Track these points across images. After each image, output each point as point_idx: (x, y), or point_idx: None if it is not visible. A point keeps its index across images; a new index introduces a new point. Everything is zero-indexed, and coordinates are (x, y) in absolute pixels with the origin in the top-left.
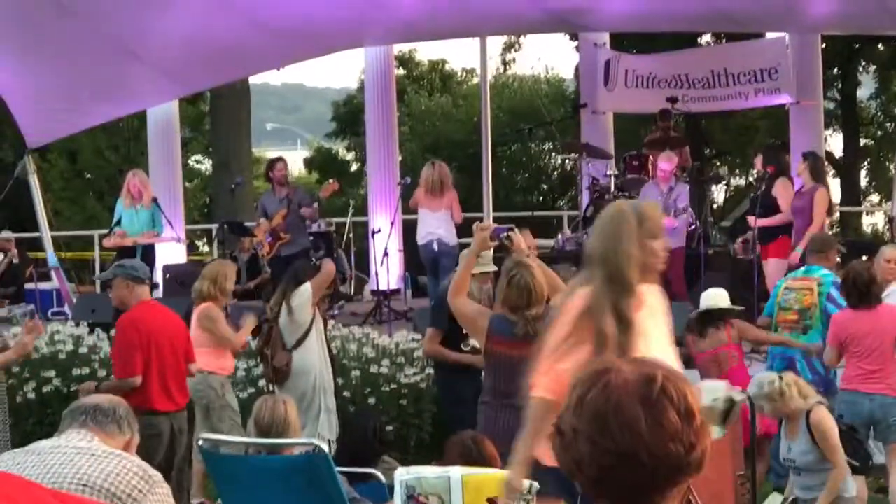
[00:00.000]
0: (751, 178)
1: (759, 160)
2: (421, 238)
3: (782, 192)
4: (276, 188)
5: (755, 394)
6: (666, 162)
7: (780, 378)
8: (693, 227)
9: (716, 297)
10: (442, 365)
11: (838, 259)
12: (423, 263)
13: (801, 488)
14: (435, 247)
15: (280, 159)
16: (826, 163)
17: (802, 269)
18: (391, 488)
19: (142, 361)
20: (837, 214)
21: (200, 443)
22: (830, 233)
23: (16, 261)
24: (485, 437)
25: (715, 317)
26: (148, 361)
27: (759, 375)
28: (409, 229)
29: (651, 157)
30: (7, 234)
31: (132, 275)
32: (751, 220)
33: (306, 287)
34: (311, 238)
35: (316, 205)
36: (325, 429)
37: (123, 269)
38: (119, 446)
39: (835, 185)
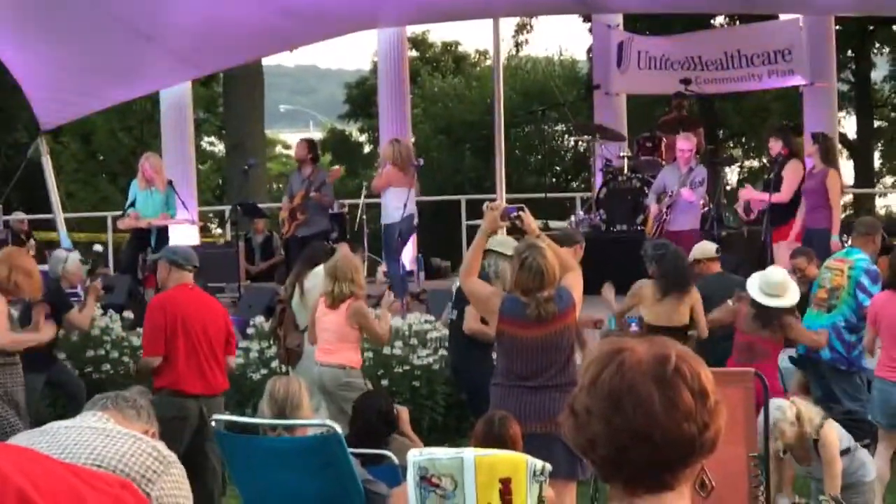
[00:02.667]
0: (764, 160)
1: (773, 142)
2: (404, 213)
3: (790, 174)
4: (302, 168)
5: (774, 419)
6: (684, 142)
7: (793, 403)
8: (706, 208)
9: (780, 289)
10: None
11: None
12: (388, 242)
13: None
14: (415, 222)
15: (302, 140)
16: (839, 145)
17: (844, 250)
18: (404, 469)
19: (165, 342)
20: (850, 196)
21: (213, 423)
22: (843, 215)
23: (32, 252)
24: (511, 417)
25: (772, 312)
26: (175, 342)
27: (773, 402)
28: (422, 211)
29: (664, 139)
30: (20, 215)
31: (171, 258)
32: (743, 192)
33: (319, 269)
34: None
35: (326, 192)
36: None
37: (166, 253)
38: (137, 431)
39: (848, 167)
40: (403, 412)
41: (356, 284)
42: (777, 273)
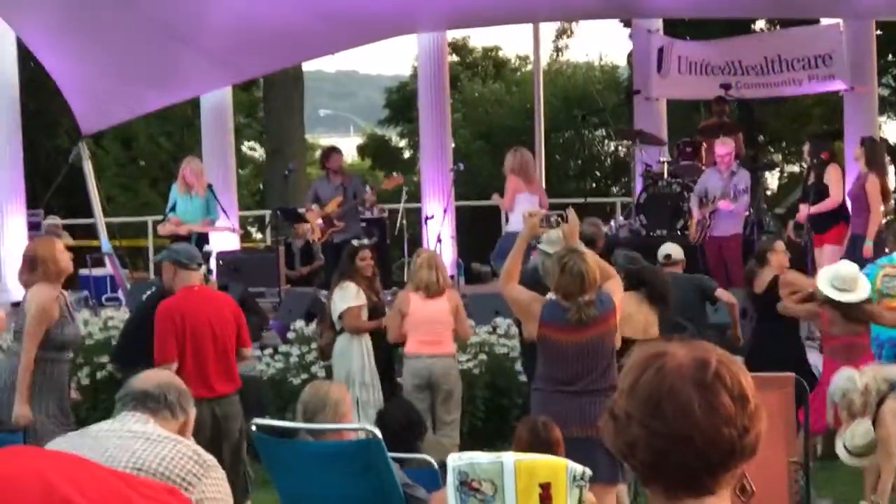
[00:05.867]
0: (803, 165)
1: (807, 149)
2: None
3: (834, 178)
4: (331, 176)
5: (844, 389)
6: (722, 147)
7: (861, 373)
8: (747, 213)
9: (863, 287)
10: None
11: None
12: (505, 249)
13: None
14: None
15: (335, 150)
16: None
17: (893, 255)
18: (444, 472)
19: (176, 347)
20: (894, 202)
21: (253, 428)
22: (885, 220)
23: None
24: (553, 422)
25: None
26: (183, 347)
27: (842, 373)
28: (462, 216)
29: (705, 144)
30: (55, 219)
31: (175, 259)
32: (803, 209)
33: (352, 293)
34: (364, 225)
35: (371, 193)
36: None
37: (169, 253)
38: (174, 430)
39: (889, 172)
40: None
41: (448, 274)
42: (847, 267)
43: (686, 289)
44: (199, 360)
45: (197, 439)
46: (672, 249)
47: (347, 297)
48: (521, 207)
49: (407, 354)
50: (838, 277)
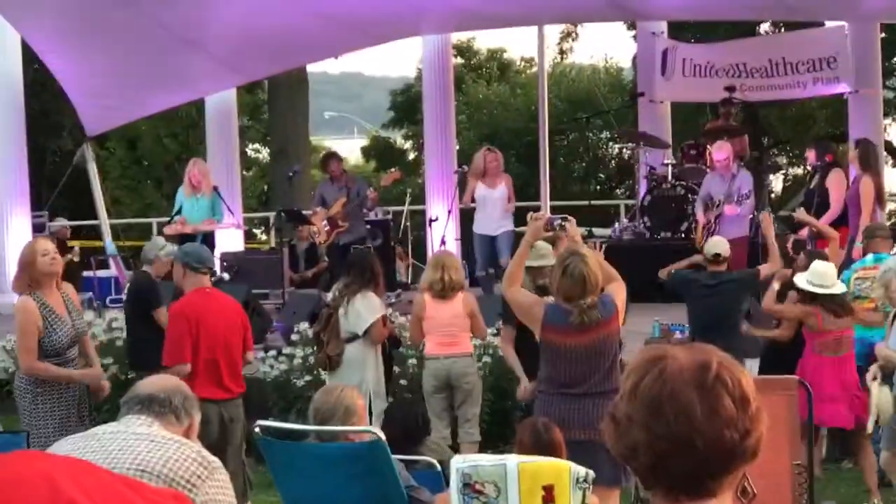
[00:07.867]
0: (808, 168)
1: (811, 154)
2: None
3: (836, 184)
4: (334, 180)
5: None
6: (719, 152)
7: None
8: (751, 216)
9: (830, 279)
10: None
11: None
12: (501, 253)
13: None
14: None
15: (332, 156)
16: (885, 152)
17: (870, 257)
18: (446, 475)
19: (190, 349)
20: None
21: (256, 430)
22: (889, 223)
23: (76, 259)
24: (554, 424)
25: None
26: (196, 349)
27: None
28: (467, 218)
29: (709, 146)
30: (62, 221)
31: (186, 261)
32: (803, 222)
33: (377, 304)
34: (368, 226)
35: (374, 191)
36: None
37: (182, 254)
38: (179, 434)
39: (894, 174)
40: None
41: (461, 275)
42: (821, 265)
43: (738, 290)
44: (211, 363)
45: (203, 441)
46: (721, 247)
47: (374, 308)
48: (504, 206)
49: (426, 356)
50: (815, 274)
